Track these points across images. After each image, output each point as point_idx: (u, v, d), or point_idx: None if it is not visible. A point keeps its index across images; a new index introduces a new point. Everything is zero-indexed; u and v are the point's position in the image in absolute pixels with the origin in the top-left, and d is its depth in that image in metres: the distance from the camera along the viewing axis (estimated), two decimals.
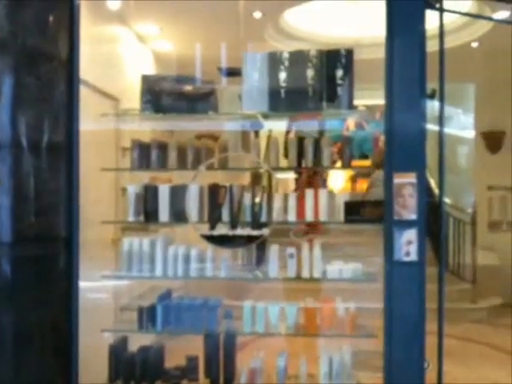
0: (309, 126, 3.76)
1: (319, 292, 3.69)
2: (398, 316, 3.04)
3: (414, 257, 2.99)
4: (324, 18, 5.38)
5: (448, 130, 8.69)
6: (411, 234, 2.99)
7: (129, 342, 3.56)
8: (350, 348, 3.42)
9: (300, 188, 8.07)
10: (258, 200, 3.34)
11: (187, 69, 3.64)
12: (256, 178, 3.86)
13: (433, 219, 3.39)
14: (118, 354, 3.45)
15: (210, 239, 3.36)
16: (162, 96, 3.33)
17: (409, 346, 3.04)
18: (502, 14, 3.98)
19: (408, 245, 2.99)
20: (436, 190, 7.06)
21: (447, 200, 6.88)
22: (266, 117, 3.72)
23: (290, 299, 3.56)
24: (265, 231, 3.33)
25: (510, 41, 3.68)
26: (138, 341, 3.59)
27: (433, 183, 6.45)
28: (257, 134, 5.49)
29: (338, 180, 9.27)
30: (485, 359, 4.96)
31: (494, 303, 6.52)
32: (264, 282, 3.75)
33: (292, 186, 7.54)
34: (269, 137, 4.52)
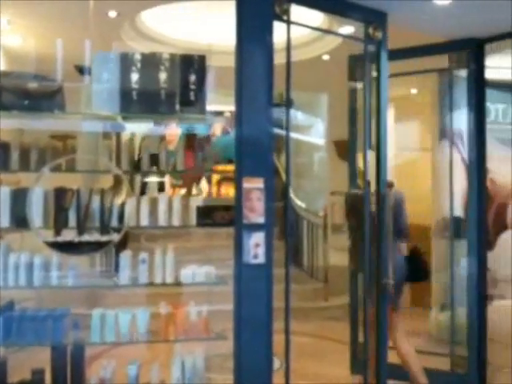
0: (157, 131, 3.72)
1: (178, 296, 3.68)
2: (246, 317, 3.12)
3: (261, 259, 3.08)
4: (181, 21, 5.39)
5: (307, 137, 9.08)
6: (259, 237, 3.08)
7: None
8: (202, 351, 3.44)
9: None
10: (108, 203, 3.24)
11: (44, 66, 3.45)
12: (118, 182, 3.75)
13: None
14: None
15: (55, 246, 3.20)
16: (1, 92, 3.12)
17: (257, 346, 3.12)
18: (347, 29, 4.25)
19: (256, 247, 3.07)
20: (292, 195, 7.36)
21: (302, 204, 7.22)
22: (125, 118, 3.63)
23: (150, 304, 3.51)
24: (114, 237, 3.24)
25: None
26: None
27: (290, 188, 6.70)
28: (118, 136, 5.34)
29: (205, 184, 9.35)
30: (335, 355, 5.23)
31: (345, 301, 6.91)
32: (117, 289, 3.65)
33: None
34: (129, 140, 4.40)
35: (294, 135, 8.01)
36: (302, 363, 4.81)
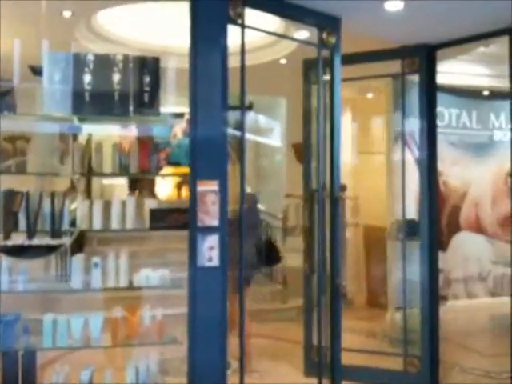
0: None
1: (133, 301, 3.63)
2: (200, 320, 3.11)
3: (216, 262, 3.08)
4: (137, 23, 5.34)
5: (267, 140, 9.05)
6: (213, 240, 3.07)
7: None
8: (156, 355, 3.41)
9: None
10: (59, 206, 3.18)
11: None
12: (75, 184, 3.69)
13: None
14: None
15: (5, 250, 3.12)
16: None
17: (211, 349, 3.12)
18: (303, 34, 4.27)
19: (210, 250, 3.07)
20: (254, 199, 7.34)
21: (262, 206, 7.22)
22: (82, 120, 3.57)
23: (106, 309, 3.46)
24: (66, 240, 3.18)
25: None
26: None
27: (249, 190, 6.71)
28: (75, 137, 5.24)
29: (166, 187, 9.24)
30: (292, 356, 5.25)
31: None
32: (71, 294, 3.59)
33: None
34: (87, 141, 4.31)
35: (254, 138, 8.05)
36: (259, 364, 4.84)
